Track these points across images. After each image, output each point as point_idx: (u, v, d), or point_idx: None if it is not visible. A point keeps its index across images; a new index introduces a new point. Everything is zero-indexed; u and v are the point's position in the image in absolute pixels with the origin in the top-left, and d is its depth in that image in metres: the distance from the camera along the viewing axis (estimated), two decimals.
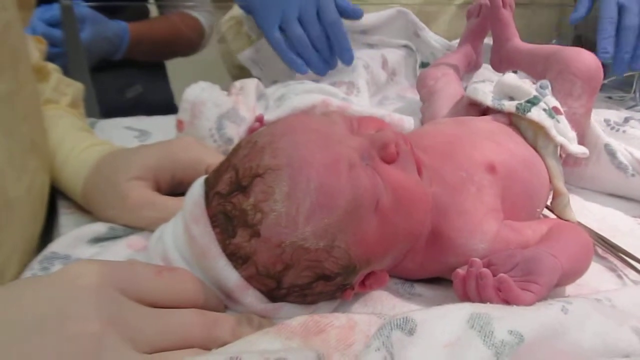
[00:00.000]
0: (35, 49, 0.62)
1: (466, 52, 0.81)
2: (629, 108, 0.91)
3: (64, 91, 0.62)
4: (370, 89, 0.83)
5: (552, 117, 0.60)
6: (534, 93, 0.61)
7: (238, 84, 0.67)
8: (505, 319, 0.37)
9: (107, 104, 0.90)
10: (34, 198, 0.51)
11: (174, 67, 1.38)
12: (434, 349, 0.35)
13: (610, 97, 0.99)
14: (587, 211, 0.64)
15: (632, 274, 0.53)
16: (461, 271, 0.43)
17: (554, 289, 0.48)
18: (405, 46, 0.92)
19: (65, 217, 0.57)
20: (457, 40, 0.90)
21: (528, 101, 0.60)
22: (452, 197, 0.49)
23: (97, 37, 0.99)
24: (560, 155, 0.62)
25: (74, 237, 0.51)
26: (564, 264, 0.44)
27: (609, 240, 0.56)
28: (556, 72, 0.65)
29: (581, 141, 0.66)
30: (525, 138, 0.60)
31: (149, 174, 0.53)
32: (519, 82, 0.63)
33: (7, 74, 0.46)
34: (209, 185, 0.44)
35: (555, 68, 0.65)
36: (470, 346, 0.35)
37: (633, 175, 0.63)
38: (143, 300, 0.38)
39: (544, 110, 0.60)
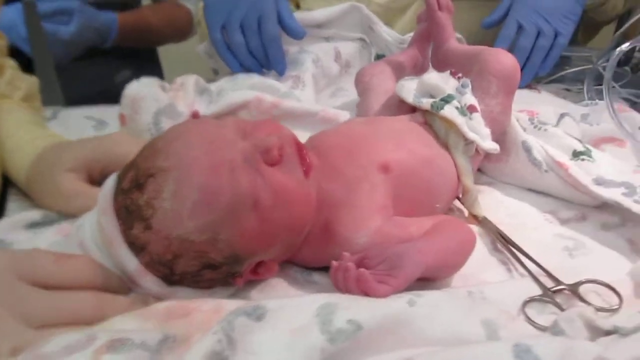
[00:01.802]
0: None
1: (412, 54, 0.84)
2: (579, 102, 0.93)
3: (18, 86, 0.68)
4: (319, 83, 0.87)
5: (465, 115, 0.63)
6: (449, 92, 0.65)
7: (179, 80, 0.72)
8: (350, 309, 0.41)
9: (95, 90, 0.96)
10: None
11: (167, 52, 1.44)
12: (279, 334, 0.40)
13: (568, 90, 1.01)
14: (502, 206, 0.67)
15: (520, 268, 0.56)
16: (335, 263, 0.48)
17: (441, 280, 0.53)
18: (361, 39, 0.95)
19: (13, 203, 0.63)
20: (408, 34, 0.93)
21: (442, 99, 0.64)
22: (346, 193, 0.53)
23: (85, 29, 1.05)
24: (478, 151, 0.66)
25: (10, 223, 0.57)
26: (429, 260, 0.48)
27: (505, 235, 0.59)
28: (476, 72, 0.68)
29: (500, 138, 0.70)
30: (438, 137, 0.64)
31: (82, 166, 0.59)
32: (438, 81, 0.66)
33: None
34: (118, 181, 0.50)
35: (476, 67, 0.68)
36: (309, 332, 0.39)
37: (547, 171, 0.66)
38: (41, 284, 0.43)
39: (457, 108, 0.63)
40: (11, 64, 0.70)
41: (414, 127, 0.63)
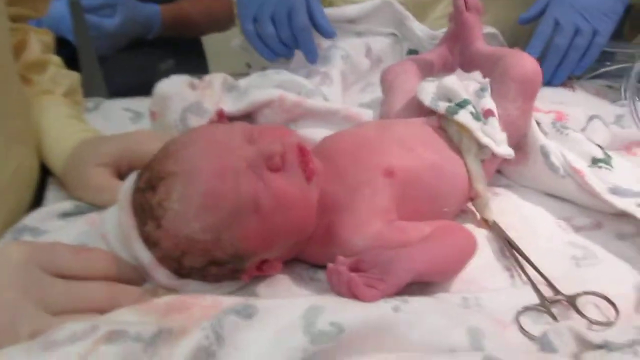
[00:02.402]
0: (38, 42, 0.73)
1: (442, 53, 0.84)
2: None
3: (59, 82, 0.74)
4: (348, 79, 0.89)
5: (479, 120, 0.64)
6: (464, 96, 0.65)
7: (207, 77, 0.75)
8: (334, 312, 0.44)
9: (139, 81, 1.01)
10: (20, 181, 0.63)
11: (212, 40, 1.48)
12: (265, 332, 0.42)
13: (610, 87, 0.98)
14: (517, 210, 0.67)
15: (524, 276, 0.57)
16: (330, 265, 0.51)
17: (440, 284, 0.55)
18: (393, 34, 0.96)
19: (51, 192, 0.68)
20: (441, 30, 0.93)
21: (457, 104, 0.65)
22: (349, 196, 0.56)
23: (128, 21, 1.10)
24: (494, 155, 0.66)
25: (45, 212, 0.63)
26: (420, 266, 0.50)
27: (512, 241, 0.60)
28: (497, 75, 0.68)
29: (520, 142, 0.69)
30: (451, 141, 0.64)
31: (111, 161, 0.64)
32: (456, 84, 0.67)
33: None
34: (137, 180, 0.54)
35: (497, 71, 0.68)
36: (293, 332, 0.42)
37: (564, 176, 0.65)
38: (61, 274, 0.48)
39: (471, 113, 0.64)
40: (55, 60, 0.75)
41: (426, 131, 0.64)
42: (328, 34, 0.90)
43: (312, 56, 0.89)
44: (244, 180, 0.49)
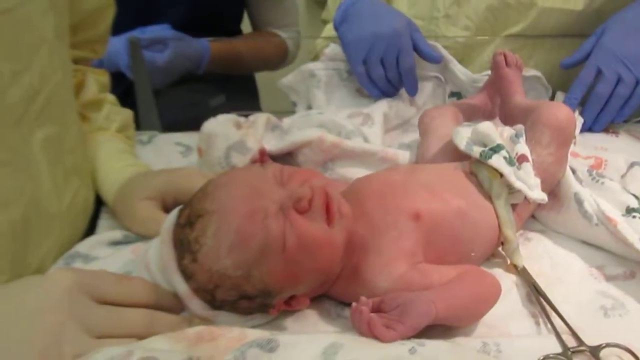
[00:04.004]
0: (95, 83, 0.80)
1: (482, 99, 0.86)
2: None
3: (113, 119, 0.80)
4: (391, 121, 0.92)
5: (512, 165, 0.65)
6: (498, 141, 0.66)
7: (252, 117, 0.80)
8: (353, 351, 0.46)
9: (191, 115, 1.07)
10: (76, 211, 0.68)
11: (266, 79, 1.54)
12: None
13: None
14: (548, 256, 0.67)
15: (549, 324, 0.57)
16: (354, 305, 0.53)
17: (463, 328, 0.56)
18: (435, 77, 0.98)
19: (104, 221, 0.74)
20: (483, 73, 0.95)
21: (491, 148, 0.66)
22: (375, 238, 0.58)
23: (179, 55, 1.15)
24: (528, 200, 0.67)
25: (96, 240, 0.68)
26: (440, 310, 0.51)
27: (539, 288, 0.60)
28: (530, 122, 0.69)
29: (554, 189, 0.70)
30: (482, 187, 0.66)
31: (157, 195, 0.68)
32: (490, 130, 0.68)
33: (56, 120, 0.63)
34: (179, 215, 0.58)
35: (531, 118, 0.69)
36: None
37: (597, 224, 0.65)
38: (104, 300, 0.52)
39: (505, 158, 0.65)
40: (110, 99, 0.81)
41: (456, 176, 0.66)
42: (435, 59, 0.95)
43: (414, 92, 0.95)
44: (273, 222, 0.52)
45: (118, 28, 0.92)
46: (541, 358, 0.51)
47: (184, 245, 0.55)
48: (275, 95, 1.26)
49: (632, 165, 0.78)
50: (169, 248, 0.57)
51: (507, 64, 0.80)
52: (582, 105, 0.95)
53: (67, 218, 0.66)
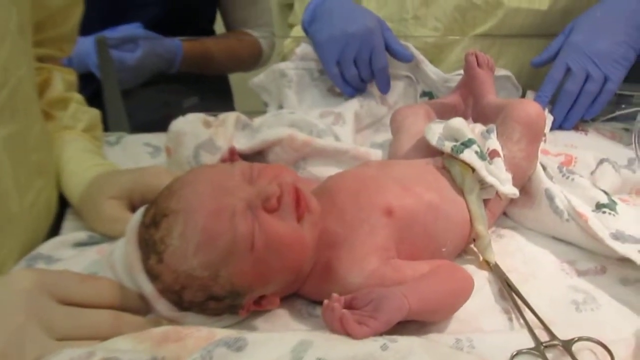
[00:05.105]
0: (61, 81, 0.78)
1: (454, 100, 0.86)
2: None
3: (80, 118, 0.78)
4: (363, 120, 0.92)
5: (484, 159, 0.65)
6: (469, 136, 0.66)
7: (221, 116, 0.78)
8: (322, 348, 0.45)
9: (162, 116, 1.05)
10: (38, 211, 0.66)
11: (239, 77, 1.52)
12: None
13: (627, 129, 0.98)
14: (520, 252, 0.67)
15: (522, 319, 0.57)
16: (325, 302, 0.52)
17: (436, 323, 0.55)
18: (407, 76, 0.98)
19: (68, 222, 0.71)
20: (455, 72, 0.95)
21: (462, 143, 0.66)
22: (347, 234, 0.57)
23: (150, 54, 1.13)
24: (499, 196, 0.67)
25: (60, 241, 0.65)
26: (412, 305, 0.50)
27: (512, 284, 0.60)
28: (501, 119, 0.69)
29: (525, 185, 0.70)
30: (454, 182, 0.66)
31: (123, 195, 0.66)
32: (461, 125, 0.68)
33: (19, 117, 0.61)
34: (144, 215, 0.56)
35: (502, 115, 0.70)
36: None
37: (568, 220, 0.66)
38: (67, 301, 0.50)
39: (476, 152, 0.65)
40: (76, 97, 0.79)
41: (429, 171, 0.66)
42: (406, 59, 0.95)
43: (387, 90, 0.96)
44: (241, 221, 0.51)
45: (89, 28, 0.90)
46: (514, 353, 0.51)
47: (149, 246, 0.53)
48: (249, 96, 1.25)
49: (601, 161, 0.79)
50: (134, 248, 0.55)
51: (478, 64, 0.81)
52: (552, 103, 0.96)
53: (30, 218, 0.64)
